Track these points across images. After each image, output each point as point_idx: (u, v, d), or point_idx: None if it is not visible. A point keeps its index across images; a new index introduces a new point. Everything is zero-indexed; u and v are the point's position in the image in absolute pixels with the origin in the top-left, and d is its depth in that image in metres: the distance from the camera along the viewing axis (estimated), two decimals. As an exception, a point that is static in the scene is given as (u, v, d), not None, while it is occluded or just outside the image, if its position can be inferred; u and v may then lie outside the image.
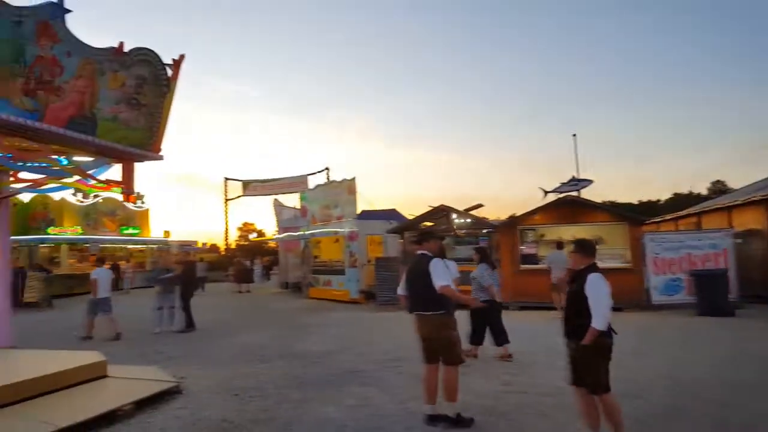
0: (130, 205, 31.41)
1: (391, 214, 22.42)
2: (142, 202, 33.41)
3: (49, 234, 25.98)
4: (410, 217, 19.85)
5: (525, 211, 16.59)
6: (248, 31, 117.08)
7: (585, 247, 4.63)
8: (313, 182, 28.90)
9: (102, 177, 7.68)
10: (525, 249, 16.26)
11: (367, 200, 25.54)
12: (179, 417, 5.95)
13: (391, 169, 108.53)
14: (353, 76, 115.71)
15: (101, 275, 12.25)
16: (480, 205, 18.56)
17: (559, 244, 14.35)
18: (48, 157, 6.72)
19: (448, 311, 5.44)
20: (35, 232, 26.17)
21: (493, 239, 16.51)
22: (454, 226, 17.27)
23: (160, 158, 7.68)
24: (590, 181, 16.84)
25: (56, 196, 26.70)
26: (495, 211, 72.68)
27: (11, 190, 8.13)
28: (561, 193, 16.80)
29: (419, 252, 5.74)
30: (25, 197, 26.51)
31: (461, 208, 17.65)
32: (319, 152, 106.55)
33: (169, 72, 7.50)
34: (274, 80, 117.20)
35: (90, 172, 7.29)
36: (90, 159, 7.23)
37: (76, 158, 7.18)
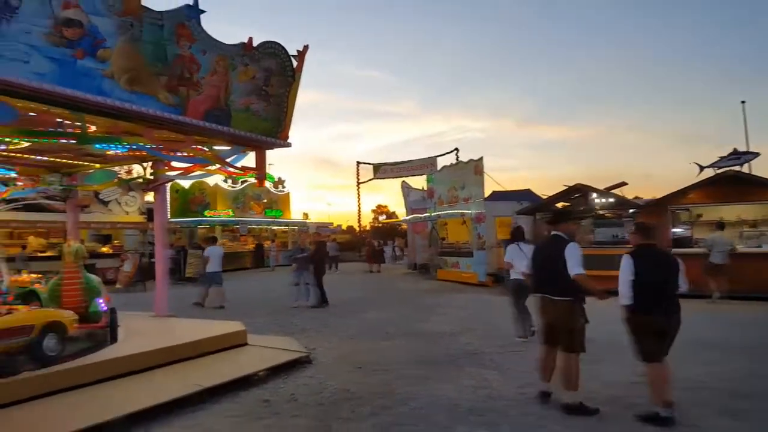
0: (272, 190, 34.44)
1: (524, 195, 21.59)
2: (283, 187, 36.34)
3: (205, 216, 29.53)
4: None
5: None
6: (381, 15, 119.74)
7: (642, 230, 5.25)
8: (442, 164, 28.85)
9: (239, 164, 8.51)
10: (677, 231, 14.67)
11: (498, 181, 24.84)
12: (307, 384, 6.50)
13: (526, 150, 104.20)
14: (488, 54, 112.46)
15: (212, 252, 13.88)
16: (623, 183, 17.09)
17: (720, 225, 12.75)
18: (192, 147, 7.64)
19: (576, 298, 5.25)
20: (194, 214, 29.90)
21: (637, 220, 15.12)
22: (594, 206, 16.15)
23: (288, 145, 8.30)
24: (756, 154, 14.60)
25: (210, 181, 30.17)
26: (646, 191, 66.14)
27: (166, 178, 9.40)
28: (720, 168, 14.81)
29: (553, 233, 5.56)
30: (185, 183, 30.33)
31: (602, 187, 16.42)
32: (450, 133, 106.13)
33: (294, 63, 8.03)
34: (405, 63, 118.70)
35: (228, 160, 8.14)
36: (227, 148, 8.06)
37: (215, 147, 8.06)
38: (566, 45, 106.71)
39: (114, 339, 7.01)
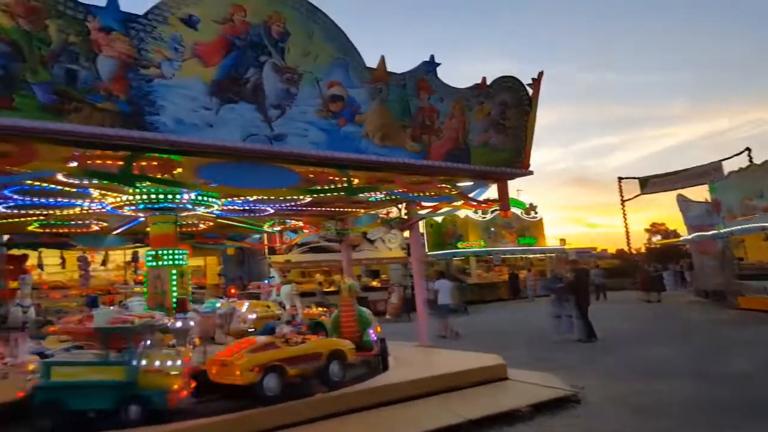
0: (524, 216, 34.30)
1: None
2: (536, 213, 35.84)
3: (458, 248, 31.03)
4: None
5: None
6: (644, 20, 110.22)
7: None
8: (728, 169, 24.51)
9: (483, 197, 8.94)
10: None
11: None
12: (574, 425, 6.28)
13: None
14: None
15: (441, 285, 14.93)
16: None
17: None
18: (437, 186, 8.38)
19: None
20: (448, 247, 31.73)
21: None
22: None
23: (530, 173, 8.39)
24: None
25: (461, 213, 31.74)
26: None
27: (418, 216, 10.46)
28: None
29: None
30: (438, 218, 32.52)
31: None
32: (736, 131, 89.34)
33: (530, 91, 8.18)
34: (656, 61, 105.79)
35: (471, 194, 8.64)
36: (469, 183, 8.58)
37: (459, 183, 8.66)
38: None
39: (385, 367, 7.94)
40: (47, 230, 10.84)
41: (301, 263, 22.48)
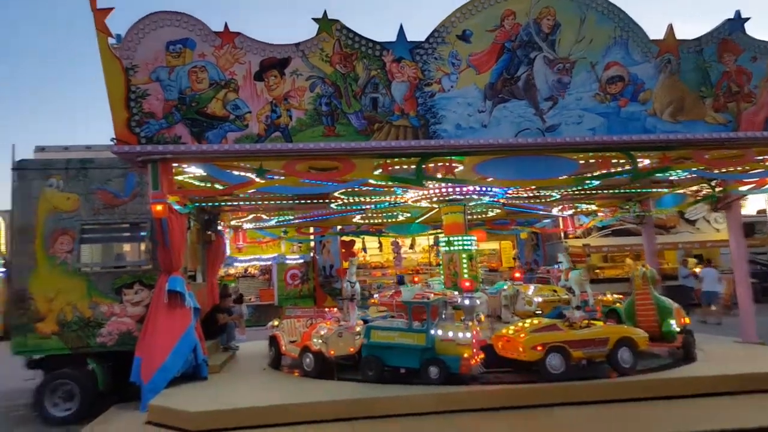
0: None
1: None
2: None
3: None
4: None
5: None
6: None
7: None
8: None
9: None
10: None
11: None
12: None
13: None
14: None
15: (706, 273, 15.50)
16: None
17: None
18: (752, 160, 7.34)
19: None
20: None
21: None
22: None
23: None
24: None
25: None
26: None
27: (736, 194, 9.23)
28: None
29: None
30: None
31: None
32: None
33: None
34: None
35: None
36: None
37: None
38: None
39: (689, 359, 7.50)
40: (366, 221, 13.45)
41: (601, 247, 21.61)
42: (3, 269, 18.02)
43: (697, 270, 16.84)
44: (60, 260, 7.55)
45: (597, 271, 21.46)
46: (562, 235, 19.73)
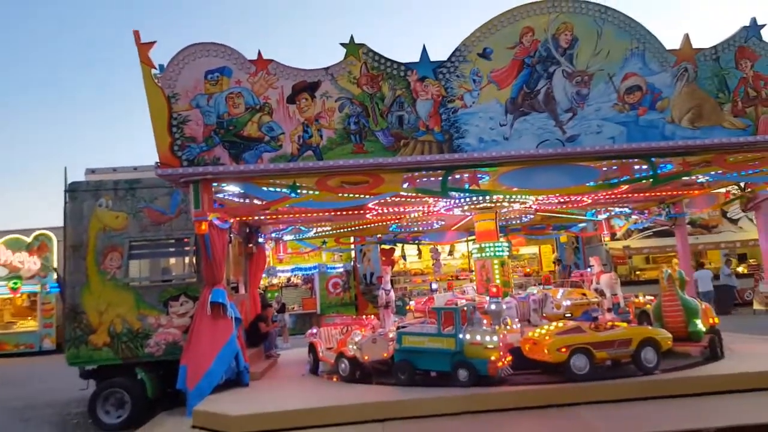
0: None
1: None
2: None
3: None
4: None
5: None
6: None
7: None
8: None
9: None
10: None
11: None
12: None
13: None
14: None
15: (699, 276, 15.62)
16: None
17: None
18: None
19: None
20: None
21: None
22: None
23: None
24: None
25: None
26: None
27: (765, 194, 9.43)
28: None
29: None
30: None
31: None
32: None
33: None
34: None
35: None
36: None
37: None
38: None
39: (715, 358, 7.77)
40: (403, 229, 14.01)
41: (642, 249, 21.63)
42: (56, 285, 19.30)
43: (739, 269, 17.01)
44: (110, 275, 8.28)
45: (638, 272, 21.53)
46: (602, 237, 19.91)
